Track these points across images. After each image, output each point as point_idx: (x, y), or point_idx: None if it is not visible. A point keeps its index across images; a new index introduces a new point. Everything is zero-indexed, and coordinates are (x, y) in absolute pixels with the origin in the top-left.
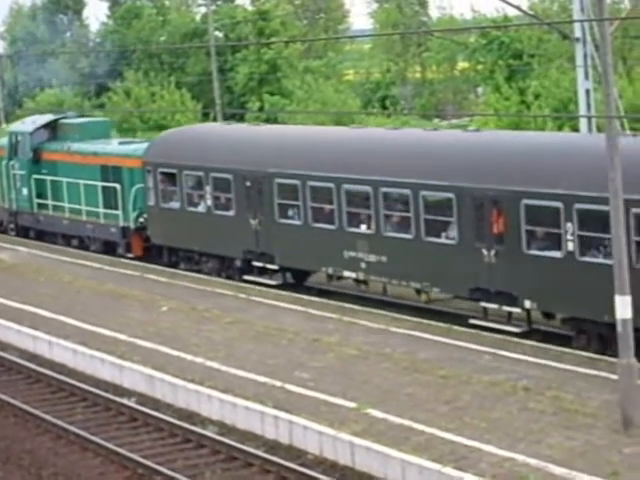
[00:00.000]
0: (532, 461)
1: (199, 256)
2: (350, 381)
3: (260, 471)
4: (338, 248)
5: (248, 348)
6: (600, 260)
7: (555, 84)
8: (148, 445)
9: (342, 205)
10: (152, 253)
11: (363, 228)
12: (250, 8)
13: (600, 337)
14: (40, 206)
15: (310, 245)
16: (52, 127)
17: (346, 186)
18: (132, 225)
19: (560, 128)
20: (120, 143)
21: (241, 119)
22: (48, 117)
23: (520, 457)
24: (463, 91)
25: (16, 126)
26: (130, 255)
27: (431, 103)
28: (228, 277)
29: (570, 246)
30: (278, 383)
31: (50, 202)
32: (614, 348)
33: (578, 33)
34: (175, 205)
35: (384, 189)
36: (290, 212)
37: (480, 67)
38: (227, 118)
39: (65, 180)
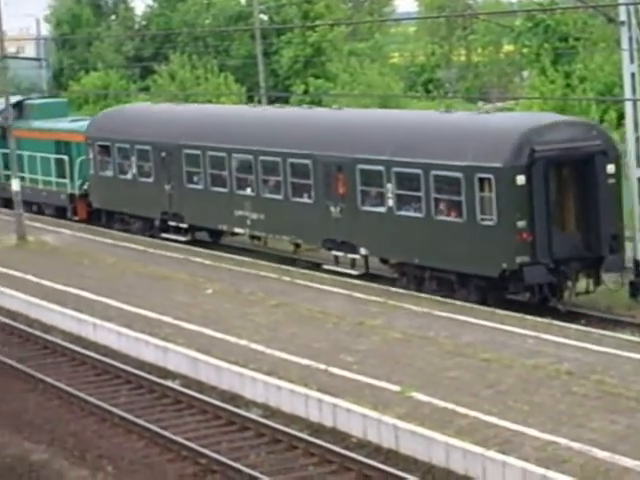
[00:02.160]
0: (575, 445)
1: (129, 217)
2: (394, 364)
3: (304, 454)
4: (230, 208)
5: (292, 331)
6: (411, 214)
7: (600, 68)
8: (192, 427)
9: (232, 172)
10: (94, 217)
11: (248, 191)
12: None
13: (415, 277)
14: (6, 177)
15: (209, 206)
16: (18, 107)
17: (235, 155)
18: (77, 192)
19: (605, 112)
20: (71, 121)
21: (285, 102)
22: (15, 98)
23: (563, 441)
24: (508, 74)
25: None
26: (76, 218)
27: (476, 86)
28: (151, 236)
29: (390, 202)
30: (322, 366)
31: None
32: (427, 286)
33: (623, 16)
34: (109, 173)
35: (262, 157)
36: (195, 178)
37: (525, 50)
38: (272, 101)
39: (26, 154)
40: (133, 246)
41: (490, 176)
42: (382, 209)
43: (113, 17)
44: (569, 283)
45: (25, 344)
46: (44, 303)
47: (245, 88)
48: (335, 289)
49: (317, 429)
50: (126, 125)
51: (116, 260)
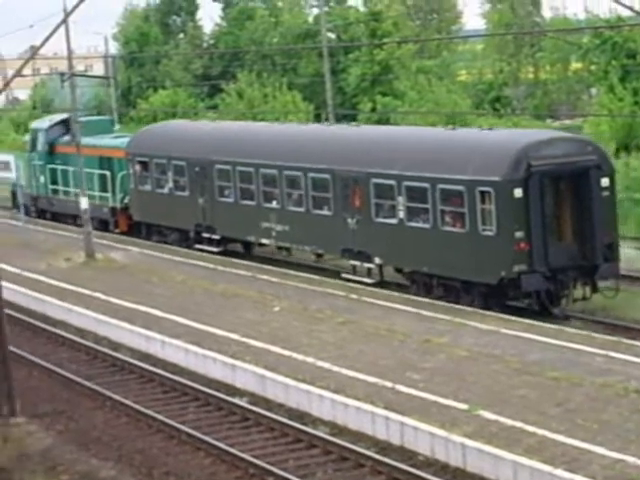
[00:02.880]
0: None
1: (166, 229)
2: (461, 382)
3: (371, 472)
4: (257, 220)
5: (359, 349)
6: (420, 225)
7: None
8: (260, 445)
9: (259, 185)
10: (135, 229)
11: (274, 204)
12: (362, 9)
13: (424, 284)
14: (54, 191)
15: (239, 218)
16: (65, 124)
17: (261, 170)
18: (118, 205)
19: None
20: (114, 137)
21: (353, 120)
22: (62, 116)
23: (631, 459)
24: (576, 91)
25: (36, 123)
26: (117, 230)
27: (544, 104)
28: (187, 247)
29: (401, 214)
30: (389, 384)
31: (61, 188)
32: (435, 293)
33: None
34: (148, 188)
35: (286, 172)
36: (226, 192)
37: (593, 67)
38: (339, 119)
39: (71, 169)
40: (202, 264)
41: (490, 189)
42: (394, 220)
43: (181, 35)
44: (566, 290)
45: (93, 361)
46: (113, 320)
47: (313, 106)
48: (401, 307)
49: (384, 447)
50: (163, 142)
51: (185, 277)
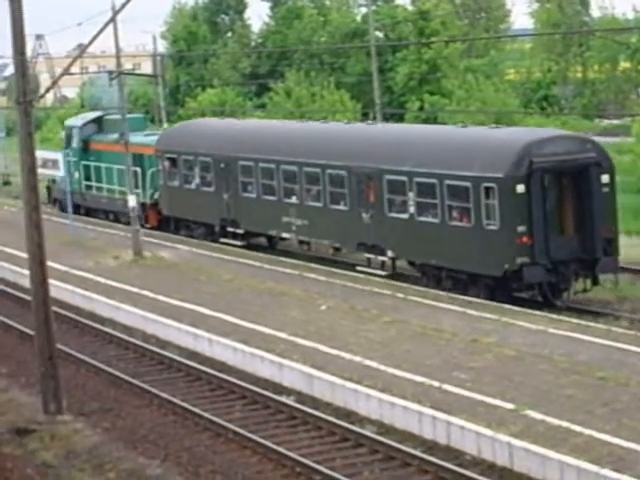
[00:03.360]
0: None
1: (193, 224)
2: (508, 382)
3: (418, 471)
4: (278, 215)
5: (406, 348)
6: (429, 219)
7: None
8: (306, 444)
9: (280, 181)
10: (164, 224)
11: (294, 199)
12: (410, 8)
13: (434, 276)
14: (87, 187)
15: (261, 213)
16: (98, 122)
17: (282, 166)
18: (148, 201)
19: None
20: (145, 135)
21: (400, 119)
22: (96, 114)
23: None
24: (624, 91)
25: (71, 121)
26: (148, 225)
27: (592, 103)
28: (213, 241)
29: (412, 209)
30: (436, 383)
31: (94, 184)
32: (444, 285)
33: None
34: (176, 183)
35: (305, 169)
36: (249, 187)
37: None
38: (386, 118)
39: (104, 165)
40: (249, 262)
41: (494, 185)
42: (405, 215)
43: (229, 34)
44: (568, 282)
45: (141, 359)
46: (160, 319)
47: (360, 105)
48: (448, 306)
49: (431, 446)
50: (190, 139)
51: (232, 276)
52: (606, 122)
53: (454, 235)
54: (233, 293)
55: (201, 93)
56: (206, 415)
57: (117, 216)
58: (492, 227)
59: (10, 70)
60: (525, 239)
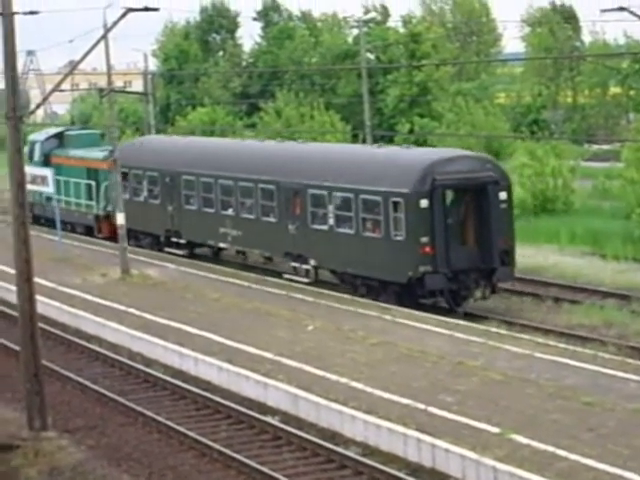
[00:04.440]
0: None
1: (141, 234)
2: (494, 406)
3: None
4: (216, 226)
5: (392, 370)
6: (346, 230)
7: None
8: (291, 464)
9: (218, 195)
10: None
11: (230, 211)
12: (402, 30)
13: (351, 284)
14: (48, 199)
15: (201, 224)
16: (59, 137)
17: (220, 181)
18: (102, 213)
19: None
20: (100, 150)
21: (390, 141)
22: (57, 129)
23: None
24: (615, 116)
25: (34, 135)
26: (100, 235)
27: (582, 128)
28: (159, 250)
29: (331, 221)
30: (421, 406)
31: (62, 198)
32: (359, 291)
33: None
34: (126, 196)
35: (240, 183)
36: (191, 200)
37: (632, 92)
38: (376, 140)
39: (63, 179)
40: (236, 281)
41: (400, 200)
42: (325, 227)
43: (221, 53)
44: (467, 290)
45: (126, 377)
46: (146, 336)
47: (350, 126)
48: (435, 328)
49: (415, 469)
50: (140, 155)
51: (219, 295)
52: (596, 147)
53: (367, 245)
54: (220, 312)
55: (191, 112)
56: (191, 434)
57: (74, 227)
58: (399, 238)
59: (0, 85)
60: (427, 249)
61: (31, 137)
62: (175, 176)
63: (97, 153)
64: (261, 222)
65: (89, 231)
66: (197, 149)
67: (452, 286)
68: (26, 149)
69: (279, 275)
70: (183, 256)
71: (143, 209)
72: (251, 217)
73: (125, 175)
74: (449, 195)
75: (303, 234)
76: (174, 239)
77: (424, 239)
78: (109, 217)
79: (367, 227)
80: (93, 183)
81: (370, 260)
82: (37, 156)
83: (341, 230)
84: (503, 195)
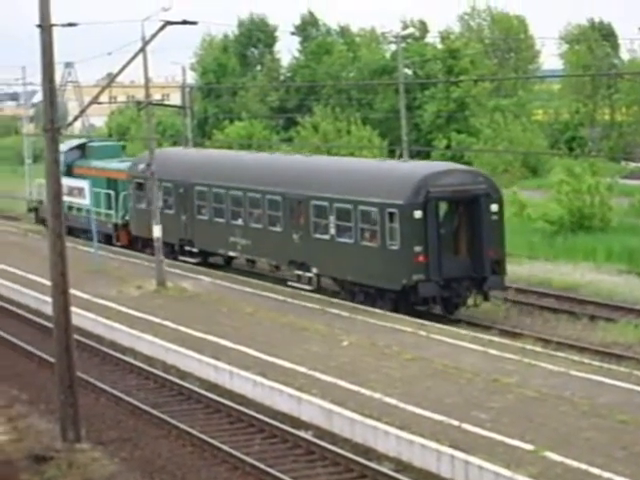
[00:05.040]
0: None
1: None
2: (528, 423)
3: None
4: (226, 235)
5: (426, 385)
6: (346, 240)
7: None
8: (324, 479)
9: (229, 205)
10: (134, 243)
11: (239, 221)
12: (440, 46)
13: (350, 291)
14: (69, 208)
15: (212, 233)
16: (81, 148)
17: (231, 192)
18: (120, 221)
19: None
20: (120, 161)
21: (427, 157)
22: (80, 141)
23: None
24: None
25: None
26: (119, 244)
27: (619, 145)
28: (173, 259)
29: (332, 231)
30: (455, 422)
31: (75, 204)
32: (357, 298)
33: None
34: (143, 206)
35: (249, 194)
36: (203, 210)
37: None
38: (413, 156)
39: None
40: (272, 295)
41: (395, 211)
42: (327, 236)
43: (259, 67)
44: (459, 297)
45: (161, 390)
46: (181, 349)
47: (387, 142)
48: (470, 345)
49: None
50: (156, 165)
51: (254, 309)
52: (633, 165)
53: (365, 254)
54: (254, 326)
55: (229, 125)
56: (224, 447)
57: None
58: (394, 247)
59: (38, 97)
60: (421, 258)
61: None
62: (188, 187)
63: (117, 164)
64: (268, 231)
65: (108, 239)
66: (209, 161)
67: (444, 294)
68: None
69: (284, 283)
70: (195, 264)
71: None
72: (259, 227)
73: (141, 185)
74: (442, 207)
75: (306, 243)
76: (187, 248)
77: (418, 248)
78: (127, 226)
79: (365, 237)
80: (112, 193)
81: (367, 268)
82: (60, 166)
83: (341, 240)
84: (494, 207)
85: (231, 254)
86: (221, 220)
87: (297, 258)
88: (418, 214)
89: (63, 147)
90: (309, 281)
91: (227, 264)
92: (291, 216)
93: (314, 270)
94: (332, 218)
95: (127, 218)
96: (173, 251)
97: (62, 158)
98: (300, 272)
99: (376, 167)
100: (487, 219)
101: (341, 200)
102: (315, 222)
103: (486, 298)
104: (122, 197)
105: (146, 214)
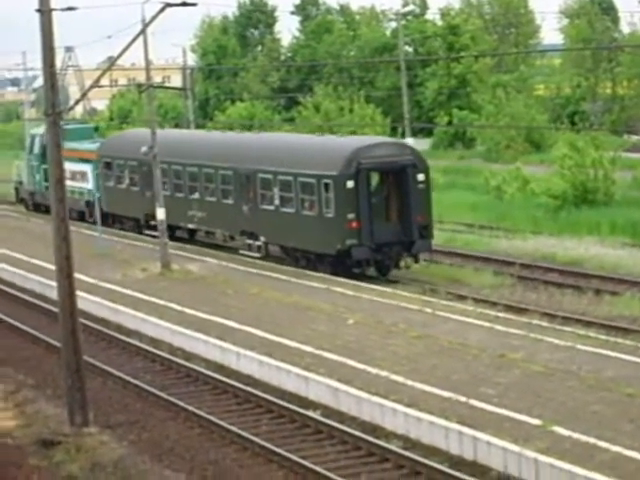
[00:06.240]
0: None
1: (124, 219)
2: (535, 398)
3: None
4: (185, 209)
5: (433, 363)
6: (288, 210)
7: None
8: (332, 458)
9: (186, 180)
10: (106, 219)
11: (196, 195)
12: (440, 23)
13: (294, 257)
14: (46, 188)
15: (173, 207)
16: None
17: (188, 168)
18: (92, 199)
19: None
20: (92, 142)
21: (429, 134)
22: None
23: None
24: None
25: (34, 130)
26: (91, 220)
27: (621, 119)
28: (139, 233)
29: (277, 202)
30: (462, 398)
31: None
32: (300, 263)
33: None
34: (111, 184)
35: (204, 170)
36: (165, 186)
37: None
38: (415, 132)
39: None
40: (277, 275)
41: (330, 181)
42: (272, 207)
43: (259, 48)
44: (391, 260)
45: (167, 372)
46: (187, 331)
47: (389, 119)
48: (476, 321)
49: (457, 462)
50: (123, 146)
51: (259, 289)
52: (635, 138)
53: (305, 222)
54: (260, 306)
55: (230, 106)
56: (232, 428)
57: (70, 213)
58: (329, 215)
59: (39, 82)
60: (354, 224)
61: (31, 131)
62: (150, 164)
63: (89, 145)
64: (221, 204)
65: (81, 216)
66: (169, 141)
67: (377, 257)
68: (27, 142)
69: (237, 252)
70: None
71: (125, 195)
72: (213, 200)
73: (109, 164)
74: (373, 177)
75: (254, 214)
76: (152, 222)
77: (351, 216)
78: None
79: (305, 206)
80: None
81: (307, 235)
82: (37, 148)
83: (284, 210)
84: (421, 177)
85: (190, 226)
86: (180, 195)
87: (247, 228)
88: (350, 184)
89: (40, 130)
90: (258, 249)
91: (191, 237)
92: (241, 189)
93: (262, 239)
94: (276, 190)
95: (98, 196)
96: (139, 225)
97: (38, 141)
98: (250, 241)
99: (314, 142)
100: (414, 187)
101: (283, 173)
102: (262, 194)
103: (416, 261)
104: (94, 176)
105: (114, 191)
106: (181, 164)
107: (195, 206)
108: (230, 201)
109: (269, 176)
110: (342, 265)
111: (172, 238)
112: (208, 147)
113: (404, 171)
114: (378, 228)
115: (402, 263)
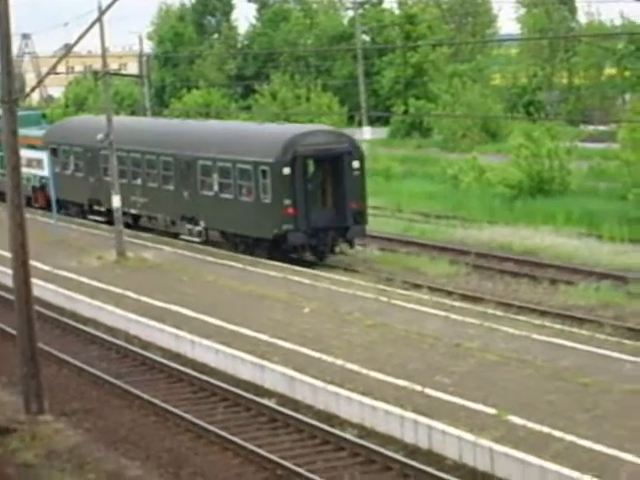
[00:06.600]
0: None
1: (70, 204)
2: (491, 387)
3: (399, 475)
4: (128, 194)
5: (388, 352)
6: (227, 196)
7: None
8: (287, 446)
9: (129, 166)
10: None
11: (139, 181)
12: (397, 12)
13: (233, 242)
14: (2, 175)
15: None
16: None
17: (131, 154)
18: (38, 184)
19: None
20: (39, 129)
21: (386, 122)
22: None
23: None
24: (610, 97)
25: None
26: (36, 205)
27: (577, 109)
28: (83, 217)
29: (216, 188)
30: (418, 387)
31: (2, 171)
32: (239, 248)
33: None
34: (57, 170)
35: (146, 156)
36: (109, 172)
37: (628, 73)
38: (372, 121)
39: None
40: (232, 264)
41: (267, 168)
42: (211, 193)
43: (216, 36)
44: (327, 245)
45: (123, 360)
46: (143, 319)
47: (346, 108)
48: (432, 310)
49: (412, 450)
50: (68, 132)
51: (215, 278)
52: (591, 128)
53: (243, 208)
54: (216, 295)
55: (186, 94)
56: (187, 417)
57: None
58: (266, 201)
59: None
60: (290, 210)
61: None
62: (95, 152)
63: (36, 131)
64: (163, 190)
65: (28, 201)
66: (115, 127)
67: (312, 242)
68: None
69: (175, 236)
70: (103, 222)
71: (71, 181)
72: (155, 186)
73: (55, 151)
74: (309, 164)
75: (195, 199)
76: (96, 207)
77: (287, 202)
78: (44, 188)
79: (243, 192)
80: None
81: (245, 220)
82: None
83: (223, 195)
84: (356, 164)
85: (133, 212)
86: (124, 181)
87: (188, 213)
88: (287, 171)
89: None
90: (199, 234)
91: (135, 222)
92: (182, 175)
93: (202, 224)
94: (216, 176)
95: (44, 181)
96: (82, 211)
97: None
98: (190, 226)
99: (252, 129)
100: (349, 174)
101: (223, 160)
102: (202, 180)
103: (351, 246)
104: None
105: (60, 177)
106: (124, 150)
107: (138, 192)
108: (171, 187)
109: (209, 163)
110: (278, 250)
111: (112, 224)
112: (150, 134)
113: (340, 158)
114: (314, 214)
115: (337, 248)
